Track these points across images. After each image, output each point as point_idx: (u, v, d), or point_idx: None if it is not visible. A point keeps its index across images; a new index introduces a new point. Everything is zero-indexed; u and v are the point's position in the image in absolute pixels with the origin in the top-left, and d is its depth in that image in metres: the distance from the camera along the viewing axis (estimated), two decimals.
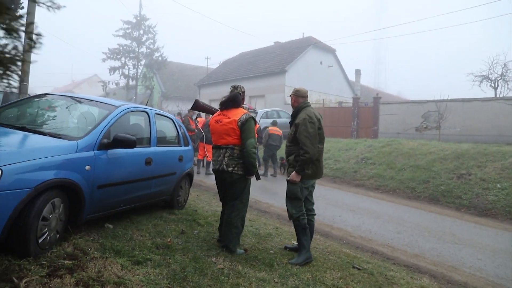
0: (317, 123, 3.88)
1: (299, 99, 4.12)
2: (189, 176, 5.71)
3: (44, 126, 3.61)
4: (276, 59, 26.00)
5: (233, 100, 3.88)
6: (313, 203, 4.30)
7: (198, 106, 4.32)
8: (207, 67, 36.25)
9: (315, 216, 4.35)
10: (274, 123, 11.94)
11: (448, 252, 5.40)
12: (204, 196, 7.67)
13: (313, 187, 4.20)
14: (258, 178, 4.29)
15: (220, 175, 3.89)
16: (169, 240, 3.75)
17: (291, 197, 4.00)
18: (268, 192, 8.97)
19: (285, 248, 4.40)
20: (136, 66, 35.34)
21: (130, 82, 35.22)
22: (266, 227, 5.46)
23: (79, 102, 4.18)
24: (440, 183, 9.16)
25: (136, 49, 34.86)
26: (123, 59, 34.53)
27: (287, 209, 4.05)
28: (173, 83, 37.05)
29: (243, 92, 4.06)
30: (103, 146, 3.52)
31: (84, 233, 3.55)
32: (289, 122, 4.19)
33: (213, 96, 29.00)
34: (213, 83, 30.49)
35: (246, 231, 4.91)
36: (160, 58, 35.10)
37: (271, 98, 24.00)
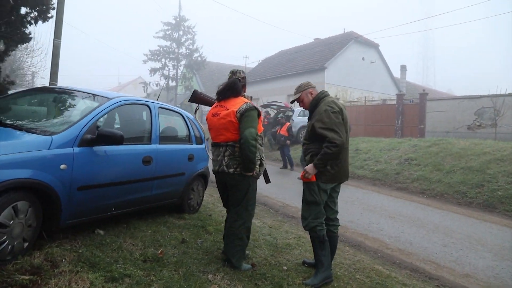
0: (340, 114, 3.20)
1: (313, 91, 3.44)
2: (203, 177, 5.18)
3: (22, 120, 3.24)
4: (315, 56, 25.09)
5: (232, 88, 3.24)
6: (337, 212, 3.59)
7: (197, 98, 3.74)
8: (245, 66, 35.96)
9: (338, 227, 3.62)
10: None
11: (507, 272, 4.45)
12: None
13: (336, 192, 3.48)
14: (266, 179, 3.67)
15: (220, 177, 3.31)
16: (160, 251, 3.23)
17: (307, 201, 3.33)
18: (300, 195, 8.26)
19: (303, 263, 3.72)
20: (176, 67, 35.87)
21: (170, 83, 35.83)
22: (287, 236, 4.81)
23: (72, 95, 3.79)
24: (497, 188, 7.98)
25: (176, 50, 35.37)
26: (163, 60, 35.20)
27: (302, 216, 3.38)
28: (213, 83, 37.15)
29: (244, 78, 3.42)
30: (86, 142, 3.08)
31: (67, 240, 3.14)
32: (307, 118, 3.51)
33: (251, 95, 28.58)
34: (251, 82, 30.04)
35: (261, 241, 4.31)
36: (199, 58, 35.39)
37: None
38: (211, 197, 6.71)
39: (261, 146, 3.30)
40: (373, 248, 5.09)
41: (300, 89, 3.48)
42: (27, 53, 24.07)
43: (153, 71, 34.51)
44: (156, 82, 35.27)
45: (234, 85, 3.23)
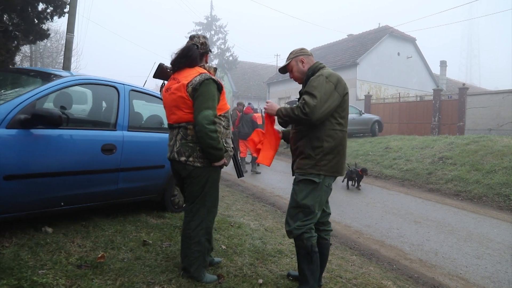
0: (336, 86, 2.49)
1: (305, 60, 2.73)
2: None
3: None
4: (347, 52, 23.99)
5: (185, 56, 2.59)
6: (329, 214, 2.87)
7: (162, 73, 3.10)
8: (276, 65, 35.31)
9: (331, 233, 2.91)
10: None
11: None
12: (232, 197, 6.56)
13: (329, 189, 2.77)
14: (239, 174, 3.03)
15: (173, 166, 2.70)
16: (100, 255, 2.67)
17: (298, 204, 2.58)
18: None
19: (288, 276, 3.03)
20: None
21: None
22: (282, 242, 4.11)
23: (27, 74, 3.35)
24: None
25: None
26: None
27: (285, 220, 2.69)
28: (245, 83, 36.92)
29: (203, 44, 2.72)
30: (19, 124, 2.59)
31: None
32: (299, 92, 2.81)
33: (282, 94, 28.01)
34: (282, 81, 29.36)
35: (247, 246, 3.67)
36: (230, 58, 35.21)
37: None
38: None
39: (227, 128, 2.66)
40: (388, 258, 4.29)
41: (290, 55, 2.79)
42: (60, 54, 24.85)
43: None
44: None
45: (188, 51, 2.59)
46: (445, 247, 4.71)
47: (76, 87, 3.20)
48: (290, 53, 2.81)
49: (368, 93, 20.86)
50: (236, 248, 3.49)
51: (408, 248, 4.64)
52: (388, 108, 18.59)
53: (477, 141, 10.19)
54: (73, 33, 9.35)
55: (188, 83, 2.44)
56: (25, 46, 23.26)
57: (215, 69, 2.74)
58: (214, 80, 2.50)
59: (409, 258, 4.30)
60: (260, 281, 2.80)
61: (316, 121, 2.40)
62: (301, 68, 2.72)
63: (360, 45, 23.41)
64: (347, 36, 28.35)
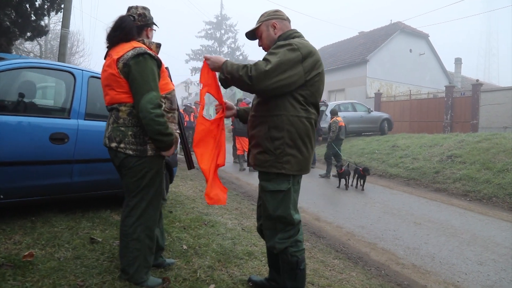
0: (305, 60, 2.02)
1: (277, 25, 2.23)
2: (166, 164, 4.31)
3: None
4: (358, 49, 23.40)
5: (118, 28, 2.23)
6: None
7: None
8: None
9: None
10: (334, 112, 9.63)
11: None
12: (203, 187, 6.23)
13: (299, 184, 2.38)
14: (189, 165, 2.70)
15: (109, 154, 2.37)
16: (27, 253, 2.37)
17: (270, 216, 2.17)
18: (319, 194, 7.13)
19: (249, 281, 2.67)
20: None
21: None
22: (256, 243, 3.73)
23: None
24: None
25: (218, 49, 35.27)
26: None
27: (265, 234, 2.27)
28: None
29: (142, 16, 2.35)
30: None
31: None
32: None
33: None
34: None
35: (213, 246, 3.33)
36: (240, 57, 34.98)
37: (352, 92, 21.56)
38: (195, 190, 5.84)
39: (169, 111, 2.32)
40: (377, 263, 3.89)
41: (261, 18, 2.29)
42: (71, 53, 25.07)
43: (194, 70, 34.64)
44: (197, 82, 35.32)
45: (122, 23, 2.22)
46: (444, 251, 4.28)
47: (25, 71, 2.92)
48: (261, 15, 2.31)
49: (378, 90, 20.26)
50: (199, 249, 3.16)
51: (402, 251, 4.23)
52: (398, 106, 17.99)
53: (490, 138, 9.61)
54: (68, 28, 9.19)
55: (119, 58, 2.11)
56: (35, 45, 23.55)
57: (158, 45, 2.40)
58: (151, 56, 2.16)
59: (401, 263, 3.89)
60: (212, 286, 2.46)
61: (259, 92, 2.00)
62: (271, 35, 2.23)
63: (370, 42, 22.80)
64: (358, 34, 27.73)
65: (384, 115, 15.92)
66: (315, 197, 6.87)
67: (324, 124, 14.68)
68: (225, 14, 34.92)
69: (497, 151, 8.58)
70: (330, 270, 3.35)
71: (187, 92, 34.55)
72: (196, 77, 40.17)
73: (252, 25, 2.39)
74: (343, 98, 21.69)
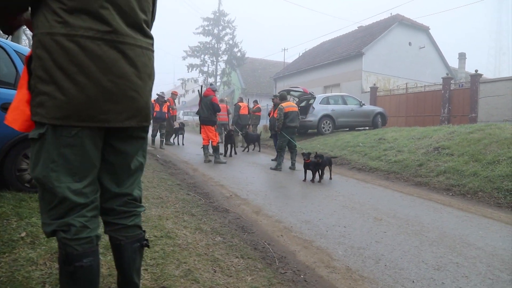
0: None
1: None
2: None
3: None
4: (354, 43, 22.45)
5: None
6: (124, 195, 1.63)
7: None
8: (284, 59, 34.09)
9: (136, 229, 1.70)
10: (283, 97, 8.70)
11: None
12: (158, 183, 5.39)
13: (117, 151, 1.56)
14: None
15: None
16: None
17: (32, 177, 1.44)
18: (272, 185, 6.26)
19: None
20: (215, 63, 34.97)
21: (209, 79, 34.99)
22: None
23: None
24: None
25: (216, 46, 34.47)
26: (202, 56, 34.46)
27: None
28: (255, 80, 35.87)
29: None
30: None
31: None
32: None
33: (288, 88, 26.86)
34: (289, 75, 28.19)
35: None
36: (238, 54, 34.16)
37: (347, 87, 20.61)
38: None
39: None
40: (301, 265, 3.01)
41: None
42: None
43: (191, 67, 33.88)
44: (195, 78, 34.56)
45: None
46: (397, 252, 3.40)
47: None
48: None
49: (374, 85, 19.28)
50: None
51: (342, 251, 3.35)
52: (395, 101, 17.01)
53: (483, 129, 8.63)
54: None
55: None
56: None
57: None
58: None
59: (332, 266, 3.01)
60: None
61: None
62: None
63: (368, 35, 21.83)
64: (357, 28, 26.77)
65: (378, 109, 14.97)
66: (270, 189, 6.01)
67: (311, 117, 13.85)
68: (222, 10, 34.11)
69: (489, 141, 7.61)
70: (217, 271, 2.49)
71: (184, 89, 33.79)
72: (193, 74, 39.60)
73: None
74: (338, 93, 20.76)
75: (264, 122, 18.67)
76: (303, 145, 10.55)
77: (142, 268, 2.34)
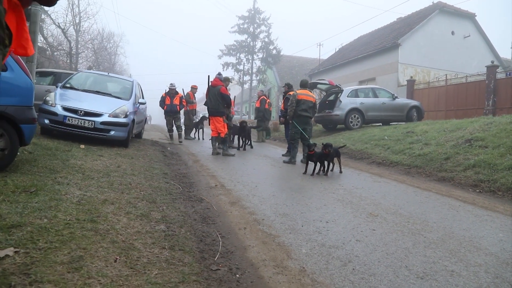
0: None
1: None
2: (8, 121, 3.27)
3: None
4: (391, 35, 21.12)
5: None
6: None
7: None
8: (319, 55, 33.06)
9: None
10: (303, 84, 7.95)
11: None
12: (139, 166, 5.06)
13: None
14: None
15: None
16: None
17: None
18: (267, 177, 5.72)
19: None
20: (250, 61, 34.68)
21: (244, 78, 34.82)
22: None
23: None
24: None
25: (251, 44, 34.18)
26: (238, 54, 34.30)
27: None
28: (292, 77, 35.17)
29: None
30: None
31: None
32: None
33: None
34: (323, 70, 27.27)
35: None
36: (274, 51, 33.65)
37: (383, 80, 19.41)
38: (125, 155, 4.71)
39: None
40: (245, 262, 2.49)
41: None
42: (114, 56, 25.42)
43: (226, 65, 33.85)
44: (230, 77, 34.45)
45: None
46: (377, 253, 2.78)
47: None
48: None
49: (411, 77, 17.96)
50: None
51: (307, 250, 2.77)
52: (434, 94, 15.70)
53: None
54: (38, 6, 8.50)
55: None
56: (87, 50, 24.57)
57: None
58: None
59: (283, 266, 2.45)
60: None
61: None
62: None
63: (405, 26, 20.43)
64: (396, 20, 25.27)
65: (412, 102, 13.83)
66: (265, 180, 5.49)
67: (338, 111, 13.04)
68: (257, 8, 33.72)
69: None
70: (118, 261, 2.04)
71: None
72: (228, 72, 39.58)
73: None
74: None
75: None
76: (325, 140, 9.83)
77: (25, 250, 1.95)
